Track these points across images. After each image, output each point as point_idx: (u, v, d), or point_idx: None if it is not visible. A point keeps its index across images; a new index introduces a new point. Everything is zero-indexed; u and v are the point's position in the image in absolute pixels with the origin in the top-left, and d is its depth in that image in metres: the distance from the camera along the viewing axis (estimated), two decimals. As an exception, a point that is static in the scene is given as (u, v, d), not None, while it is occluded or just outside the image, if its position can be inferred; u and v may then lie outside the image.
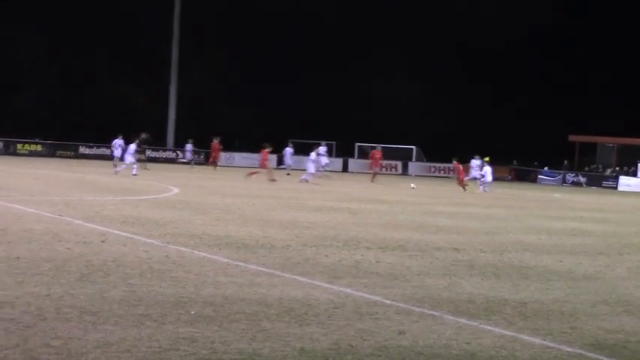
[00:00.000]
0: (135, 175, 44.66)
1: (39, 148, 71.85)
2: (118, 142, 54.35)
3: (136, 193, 32.52)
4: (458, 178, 49.16)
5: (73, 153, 71.98)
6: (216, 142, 63.32)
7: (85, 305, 11.03)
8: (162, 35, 77.48)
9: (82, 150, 73.39)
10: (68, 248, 15.93)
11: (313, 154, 51.22)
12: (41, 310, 10.57)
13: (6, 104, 75.58)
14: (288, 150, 61.75)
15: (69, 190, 31.87)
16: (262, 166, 49.34)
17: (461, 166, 49.34)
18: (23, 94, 78.91)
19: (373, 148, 63.04)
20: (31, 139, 71.90)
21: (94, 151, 73.47)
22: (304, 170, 50.99)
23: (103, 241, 17.25)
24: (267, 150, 49.53)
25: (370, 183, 52.95)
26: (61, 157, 69.74)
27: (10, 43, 77.70)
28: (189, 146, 70.80)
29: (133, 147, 47.79)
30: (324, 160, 60.29)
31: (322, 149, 60.77)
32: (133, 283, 12.76)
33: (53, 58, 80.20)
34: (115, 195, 30.66)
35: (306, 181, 47.97)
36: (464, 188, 46.48)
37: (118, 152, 53.20)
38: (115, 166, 49.14)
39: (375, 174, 56.14)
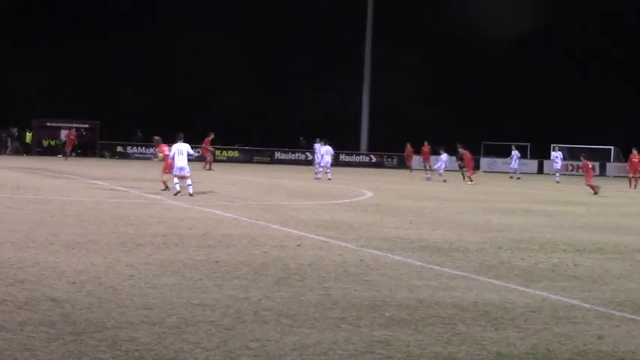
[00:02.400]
0: (329, 179, 45.20)
1: (236, 154, 73.77)
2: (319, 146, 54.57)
3: (331, 197, 32.86)
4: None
5: (268, 158, 73.55)
6: (410, 147, 63.53)
7: (282, 308, 11.21)
8: (356, 39, 78.12)
9: (278, 155, 74.85)
10: (265, 252, 16.23)
11: (445, 155, 51.11)
12: (240, 313, 10.80)
13: (204, 112, 77.95)
14: (515, 153, 61.21)
15: (265, 195, 32.52)
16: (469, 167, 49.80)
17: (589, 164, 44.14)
18: (221, 102, 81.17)
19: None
20: (229, 145, 73.91)
21: (289, 156, 74.82)
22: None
23: (298, 245, 17.50)
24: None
25: (564, 184, 51.71)
26: (257, 162, 71.36)
27: (207, 51, 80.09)
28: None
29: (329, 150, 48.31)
30: (515, 163, 59.80)
31: (515, 153, 60.18)
32: (329, 287, 12.89)
33: (250, 65, 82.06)
34: (310, 199, 31.08)
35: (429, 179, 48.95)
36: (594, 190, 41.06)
37: (318, 157, 52.70)
38: (317, 173, 49.05)
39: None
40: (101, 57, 78.34)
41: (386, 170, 69.56)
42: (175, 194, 28.88)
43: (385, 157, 77.17)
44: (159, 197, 28.56)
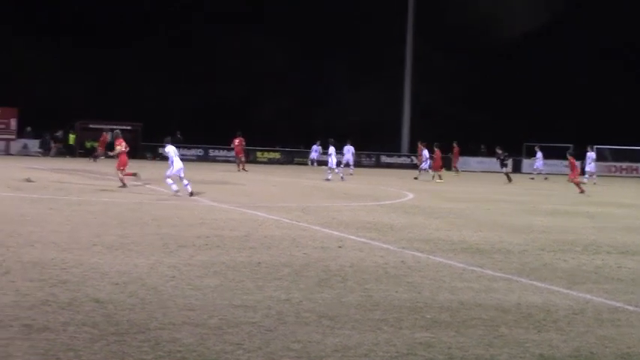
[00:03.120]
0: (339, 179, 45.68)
1: (277, 155, 73.97)
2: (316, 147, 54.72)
3: (372, 198, 32.84)
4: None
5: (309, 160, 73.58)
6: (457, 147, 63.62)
7: (323, 310, 11.22)
8: (397, 40, 78.04)
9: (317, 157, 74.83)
10: (306, 254, 16.25)
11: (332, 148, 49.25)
12: (281, 314, 10.83)
13: (245, 113, 78.14)
14: (539, 154, 61.12)
15: (306, 197, 32.56)
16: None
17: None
18: (261, 103, 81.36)
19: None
20: (270, 147, 74.12)
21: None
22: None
23: (340, 247, 17.50)
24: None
25: (604, 185, 51.29)
26: (298, 164, 71.41)
27: (249, 52, 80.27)
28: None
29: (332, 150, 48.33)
30: (539, 163, 59.76)
31: (539, 154, 60.32)
32: (370, 288, 12.88)
33: (291, 67, 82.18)
34: (350, 201, 31.08)
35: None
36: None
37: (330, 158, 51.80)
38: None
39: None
40: (144, 58, 78.82)
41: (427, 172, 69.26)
42: (175, 194, 29.06)
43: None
44: (200, 199, 28.68)
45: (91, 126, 72.15)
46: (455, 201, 32.82)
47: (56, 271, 13.04)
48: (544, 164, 61.44)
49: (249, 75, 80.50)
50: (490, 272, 14.92)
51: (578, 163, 46.37)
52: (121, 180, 32.17)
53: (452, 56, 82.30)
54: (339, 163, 49.46)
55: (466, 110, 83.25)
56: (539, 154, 61.32)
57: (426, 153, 52.29)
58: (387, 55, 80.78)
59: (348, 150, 53.87)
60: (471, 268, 15.34)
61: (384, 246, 17.98)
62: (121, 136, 34.13)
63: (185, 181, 29.52)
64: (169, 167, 29.82)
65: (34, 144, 70.89)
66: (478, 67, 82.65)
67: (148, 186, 34.02)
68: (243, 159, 54.56)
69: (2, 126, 70.54)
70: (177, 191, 29.08)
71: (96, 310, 10.58)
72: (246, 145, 59.86)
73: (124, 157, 32.71)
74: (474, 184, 48.45)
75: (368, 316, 10.95)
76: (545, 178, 57.59)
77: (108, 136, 61.08)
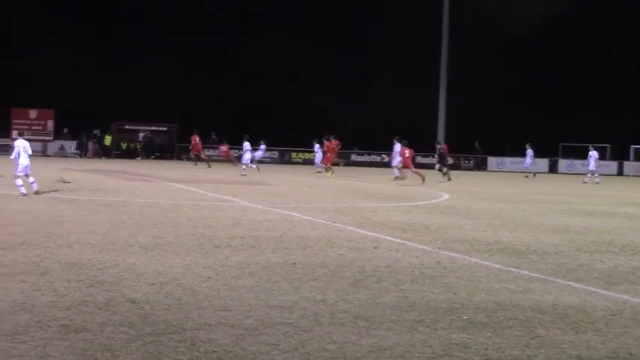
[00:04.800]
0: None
1: (312, 156, 73.92)
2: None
3: (407, 199, 32.77)
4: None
5: (344, 160, 73.55)
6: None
7: (358, 310, 11.21)
8: (433, 40, 77.84)
9: (354, 157, 74.86)
10: (341, 254, 16.24)
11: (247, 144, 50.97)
12: (317, 315, 10.83)
13: (282, 116, 78.30)
14: (529, 152, 61.75)
15: (341, 197, 32.54)
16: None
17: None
18: (297, 104, 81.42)
19: None
20: (306, 148, 74.16)
21: (365, 158, 74.79)
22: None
23: (375, 247, 17.48)
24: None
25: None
26: (333, 164, 71.27)
27: (285, 53, 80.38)
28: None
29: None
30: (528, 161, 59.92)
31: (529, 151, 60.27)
32: (406, 289, 12.85)
33: (327, 68, 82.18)
34: (385, 201, 31.04)
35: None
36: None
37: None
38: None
39: None
40: (181, 60, 79.17)
41: (462, 172, 69.09)
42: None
43: (462, 158, 76.74)
44: (236, 199, 28.76)
45: (126, 127, 72.64)
46: (491, 201, 32.68)
47: (93, 272, 13.12)
48: (533, 163, 61.44)
49: (283, 76, 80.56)
50: (526, 273, 14.84)
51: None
52: None
53: (489, 56, 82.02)
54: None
55: (502, 110, 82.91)
56: (530, 152, 61.29)
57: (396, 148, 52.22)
58: (423, 55, 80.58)
59: (396, 149, 53.07)
60: (507, 268, 15.27)
61: (420, 247, 17.94)
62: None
63: (31, 179, 27.35)
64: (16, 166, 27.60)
65: (70, 145, 71.45)
66: (514, 66, 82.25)
67: (181, 186, 34.18)
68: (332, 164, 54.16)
69: (39, 127, 71.27)
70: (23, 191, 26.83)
71: (132, 310, 10.64)
72: (281, 146, 60.43)
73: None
74: (510, 185, 48.23)
75: (404, 317, 10.93)
76: (526, 177, 57.46)
77: (197, 138, 61.18)
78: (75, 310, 10.51)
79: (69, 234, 17.47)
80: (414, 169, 46.27)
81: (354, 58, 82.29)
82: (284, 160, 72.38)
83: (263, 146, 60.20)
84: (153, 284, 12.38)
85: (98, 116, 71.68)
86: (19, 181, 26.50)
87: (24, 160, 26.59)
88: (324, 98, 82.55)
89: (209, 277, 13.11)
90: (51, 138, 71.63)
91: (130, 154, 71.28)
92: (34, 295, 11.26)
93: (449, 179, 47.62)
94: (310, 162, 71.32)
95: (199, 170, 50.91)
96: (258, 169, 51.12)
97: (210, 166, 55.04)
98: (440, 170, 49.50)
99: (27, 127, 70.86)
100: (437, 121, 79.01)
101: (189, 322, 10.16)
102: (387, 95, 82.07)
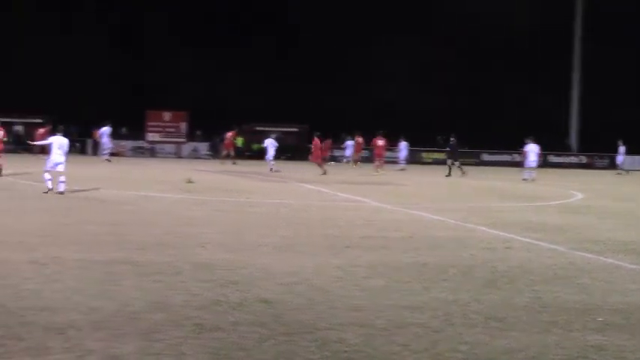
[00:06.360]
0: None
1: (444, 156, 73.48)
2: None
3: (539, 199, 32.29)
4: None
5: (475, 160, 72.95)
6: None
7: (490, 311, 11.09)
8: (565, 35, 76.57)
9: (484, 157, 74.17)
10: (472, 254, 16.11)
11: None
12: (448, 316, 10.75)
13: (403, 114, 77.97)
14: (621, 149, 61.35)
15: (471, 197, 32.29)
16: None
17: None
18: (422, 104, 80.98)
19: None
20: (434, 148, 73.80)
21: (496, 157, 73.99)
22: None
23: (507, 248, 17.27)
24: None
25: None
26: (463, 164, 70.83)
27: (407, 53, 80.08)
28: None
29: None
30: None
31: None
32: (538, 290, 12.66)
33: (455, 67, 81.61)
34: (517, 201, 30.66)
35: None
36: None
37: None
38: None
39: None
40: (309, 60, 79.72)
41: (596, 171, 67.74)
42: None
43: (596, 157, 75.19)
44: (366, 200, 28.80)
45: (257, 128, 73.52)
46: (625, 200, 31.97)
47: (225, 272, 13.29)
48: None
49: (405, 75, 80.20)
50: (664, 274, 14.46)
51: None
52: None
53: (623, 50, 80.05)
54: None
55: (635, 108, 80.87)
56: (622, 149, 61.50)
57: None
58: (555, 51, 79.27)
59: (533, 149, 51.98)
60: (644, 269, 14.92)
61: (552, 247, 17.65)
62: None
63: (62, 178, 26.75)
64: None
65: (203, 147, 72.66)
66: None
67: (311, 187, 34.40)
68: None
69: (173, 130, 72.73)
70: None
71: (265, 310, 10.74)
72: (411, 147, 60.47)
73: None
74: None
75: (537, 318, 10.77)
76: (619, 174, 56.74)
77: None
78: (208, 309, 10.67)
79: (201, 234, 17.75)
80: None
81: (480, 55, 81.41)
82: (414, 160, 72.04)
83: (404, 143, 60.52)
84: (285, 284, 12.47)
85: (229, 118, 72.71)
86: (47, 175, 26.80)
87: (56, 157, 26.85)
88: (450, 98, 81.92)
89: (340, 278, 13.15)
90: (184, 140, 73.01)
91: (261, 155, 72.05)
92: (168, 294, 11.48)
93: (463, 173, 48.46)
94: (440, 162, 71.07)
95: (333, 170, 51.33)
96: (402, 168, 50.56)
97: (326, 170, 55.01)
98: (453, 165, 49.20)
99: (161, 129, 72.55)
100: (569, 119, 77.76)
101: (321, 321, 10.20)
102: (516, 93, 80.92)
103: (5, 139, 36.52)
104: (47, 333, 9.25)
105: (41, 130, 44.39)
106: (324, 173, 45.02)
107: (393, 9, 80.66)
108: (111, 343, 8.94)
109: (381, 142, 53.91)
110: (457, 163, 49.40)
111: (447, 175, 47.49)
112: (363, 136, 56.80)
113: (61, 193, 26.12)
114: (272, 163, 49.82)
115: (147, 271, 13.08)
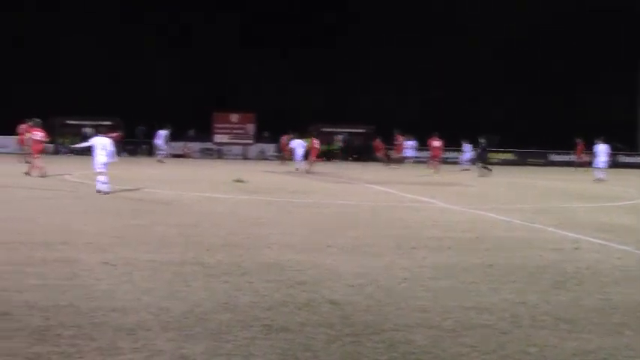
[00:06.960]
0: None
1: (511, 156, 73.11)
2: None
3: (608, 199, 31.93)
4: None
5: (543, 160, 72.41)
6: None
7: (559, 313, 10.99)
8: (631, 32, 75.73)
9: (552, 157, 73.59)
10: (540, 255, 15.97)
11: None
12: (516, 317, 10.68)
13: (472, 115, 77.62)
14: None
15: (539, 198, 32.02)
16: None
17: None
18: (490, 103, 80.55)
19: None
20: (504, 148, 73.33)
21: (563, 157, 73.34)
22: None
23: (576, 248, 17.11)
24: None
25: None
26: (531, 165, 70.36)
27: (470, 54, 79.65)
28: None
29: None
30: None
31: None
32: (608, 291, 12.52)
33: (522, 65, 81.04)
34: (585, 202, 30.34)
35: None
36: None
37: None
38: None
39: None
40: (376, 61, 79.71)
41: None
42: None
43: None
44: (433, 201, 28.71)
45: (323, 129, 73.62)
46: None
47: (292, 273, 13.34)
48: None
49: (473, 77, 79.80)
50: None
51: None
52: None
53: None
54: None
55: None
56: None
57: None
58: (622, 48, 78.36)
59: (603, 149, 50.93)
60: None
61: (622, 247, 17.44)
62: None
63: (104, 178, 27.10)
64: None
65: (270, 148, 72.99)
66: None
67: (378, 188, 34.36)
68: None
69: (240, 131, 73.16)
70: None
71: (332, 311, 10.76)
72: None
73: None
74: None
75: (607, 320, 10.66)
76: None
77: (401, 139, 61.88)
78: (276, 310, 10.72)
79: (268, 235, 17.82)
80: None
81: (550, 52, 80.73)
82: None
83: (468, 146, 60.41)
84: (352, 285, 12.48)
85: (297, 119, 72.97)
86: (101, 178, 26.96)
87: (101, 158, 27.14)
88: (516, 97, 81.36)
89: (406, 278, 13.13)
90: (252, 141, 73.39)
91: (326, 156, 72.19)
92: (236, 295, 11.54)
93: (484, 173, 47.70)
94: (508, 162, 70.58)
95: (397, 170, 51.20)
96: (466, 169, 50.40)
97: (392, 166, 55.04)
98: (483, 167, 48.59)
99: (229, 130, 73.01)
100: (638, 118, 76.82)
101: (388, 323, 10.20)
102: (584, 92, 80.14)
103: (46, 140, 36.92)
104: (117, 333, 9.36)
105: (23, 126, 43.45)
106: (437, 172, 45.88)
107: (460, 9, 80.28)
108: (180, 344, 9.03)
109: (437, 144, 53.72)
110: (481, 164, 49.08)
111: (479, 176, 47.02)
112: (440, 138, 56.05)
113: (100, 192, 26.55)
114: (300, 164, 49.92)
115: (215, 272, 13.17)
